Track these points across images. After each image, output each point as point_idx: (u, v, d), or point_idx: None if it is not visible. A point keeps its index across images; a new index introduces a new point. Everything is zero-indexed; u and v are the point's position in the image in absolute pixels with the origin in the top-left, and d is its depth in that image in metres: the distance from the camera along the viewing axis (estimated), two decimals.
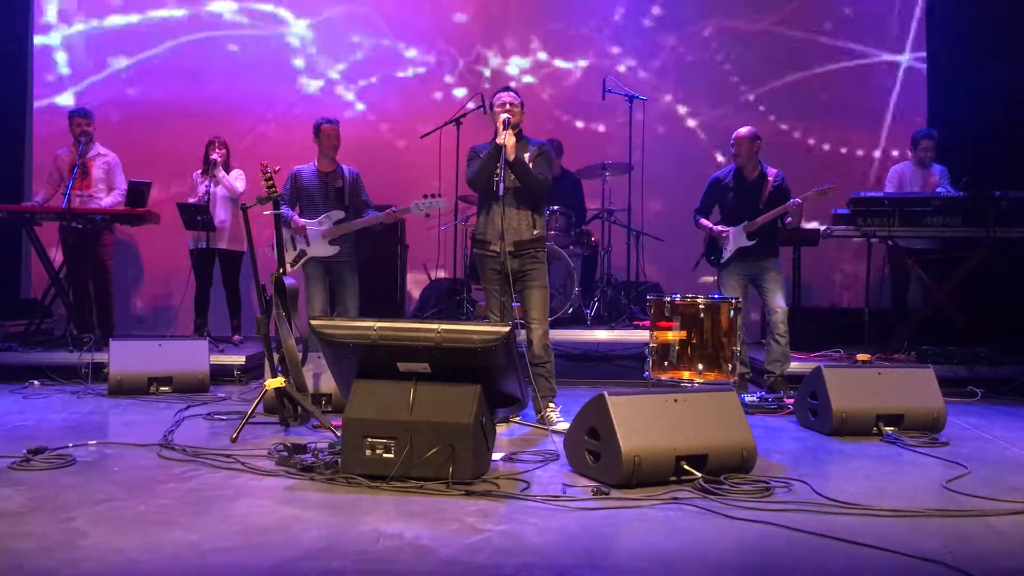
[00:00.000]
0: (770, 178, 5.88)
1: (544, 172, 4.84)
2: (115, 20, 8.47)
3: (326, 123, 5.86)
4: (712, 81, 8.59)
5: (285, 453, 3.70)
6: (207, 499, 3.17)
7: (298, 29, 8.60)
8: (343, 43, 8.59)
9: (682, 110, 8.62)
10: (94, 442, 4.05)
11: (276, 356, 4.53)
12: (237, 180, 6.91)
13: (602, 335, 6.79)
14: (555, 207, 6.98)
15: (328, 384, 4.84)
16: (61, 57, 8.47)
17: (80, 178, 6.65)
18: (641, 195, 7.52)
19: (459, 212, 7.38)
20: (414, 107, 8.54)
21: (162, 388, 5.61)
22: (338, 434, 3.69)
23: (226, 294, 7.07)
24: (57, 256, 6.70)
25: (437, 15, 8.70)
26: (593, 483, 3.42)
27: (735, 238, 5.86)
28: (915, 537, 2.81)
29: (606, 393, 3.48)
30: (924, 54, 8.42)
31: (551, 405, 4.77)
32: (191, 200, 6.84)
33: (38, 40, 8.46)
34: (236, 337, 7.06)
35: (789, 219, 5.95)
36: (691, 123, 8.62)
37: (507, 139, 4.64)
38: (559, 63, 8.67)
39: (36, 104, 8.43)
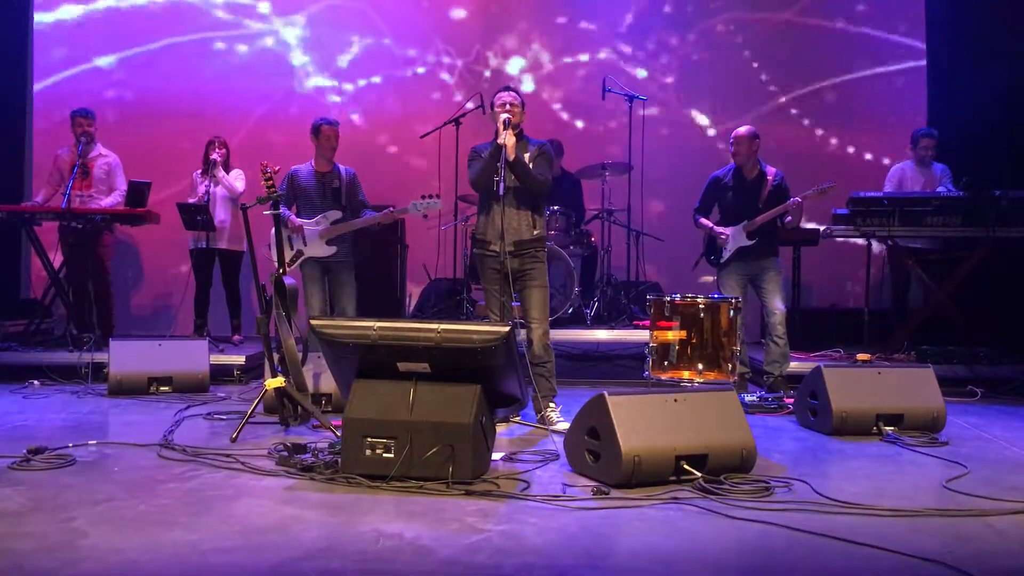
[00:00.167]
0: (769, 177, 5.88)
1: (544, 172, 4.84)
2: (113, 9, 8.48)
3: (326, 124, 5.86)
4: (712, 81, 8.58)
5: (285, 453, 3.70)
6: (207, 499, 3.17)
7: (296, 28, 8.59)
8: (341, 42, 8.59)
9: (686, 110, 8.62)
10: (94, 442, 4.05)
11: (276, 356, 4.53)
12: (237, 180, 6.91)
13: (602, 335, 6.79)
14: (555, 207, 6.98)
15: (328, 384, 4.84)
16: (59, 53, 8.48)
17: (80, 178, 6.65)
18: (641, 195, 7.52)
19: (459, 212, 7.38)
20: (413, 107, 8.55)
21: (162, 388, 5.61)
22: (338, 434, 3.69)
23: (226, 294, 7.07)
24: (57, 256, 6.70)
25: (436, 13, 8.69)
26: (593, 483, 3.42)
27: (735, 238, 5.86)
28: (915, 537, 2.81)
29: (606, 393, 3.48)
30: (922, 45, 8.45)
31: (551, 405, 4.77)
32: (191, 200, 6.84)
33: (38, 42, 8.47)
34: (236, 337, 7.06)
35: (789, 218, 5.96)
36: (693, 122, 8.62)
37: (507, 139, 4.65)
38: (560, 62, 8.66)
39: (36, 86, 8.40)
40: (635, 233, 7.49)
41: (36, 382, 5.85)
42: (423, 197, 5.72)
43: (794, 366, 5.89)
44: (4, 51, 8.12)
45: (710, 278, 6.97)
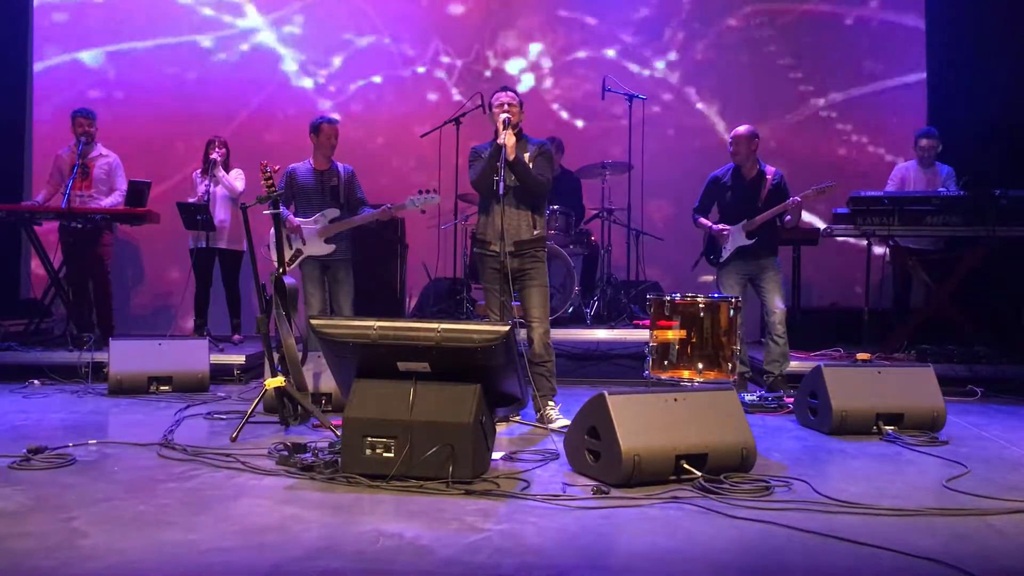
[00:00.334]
0: (769, 176, 5.88)
1: (544, 172, 4.84)
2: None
3: (326, 122, 5.85)
4: (715, 81, 8.58)
5: (285, 452, 3.70)
6: (207, 499, 3.17)
7: (293, 27, 8.59)
8: (338, 41, 8.58)
9: (690, 108, 8.62)
10: (94, 442, 4.05)
11: (276, 355, 4.53)
12: (237, 179, 6.91)
13: (602, 334, 6.80)
14: (555, 206, 6.98)
15: (328, 383, 4.84)
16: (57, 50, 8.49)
17: (80, 178, 6.64)
18: (641, 194, 7.52)
19: (459, 211, 7.38)
20: (413, 106, 8.56)
21: (162, 387, 5.62)
22: (338, 433, 3.69)
23: (226, 293, 7.08)
24: (57, 256, 6.70)
25: (435, 11, 8.68)
26: (593, 482, 3.42)
27: (734, 237, 5.86)
28: (915, 536, 2.81)
29: (606, 392, 3.48)
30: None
31: (550, 403, 4.77)
32: (191, 200, 6.84)
33: (38, 42, 8.47)
34: (236, 336, 7.06)
35: (788, 218, 5.96)
36: (697, 121, 8.61)
37: (507, 139, 4.65)
38: (562, 60, 8.66)
39: (36, 68, 8.41)
40: (635, 232, 7.49)
41: (36, 382, 5.85)
42: (420, 192, 5.73)
43: (794, 365, 5.89)
44: (4, 51, 8.12)
45: (710, 277, 6.97)
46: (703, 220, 6.05)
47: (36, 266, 7.29)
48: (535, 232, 4.84)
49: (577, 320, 7.00)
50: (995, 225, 6.08)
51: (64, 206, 6.35)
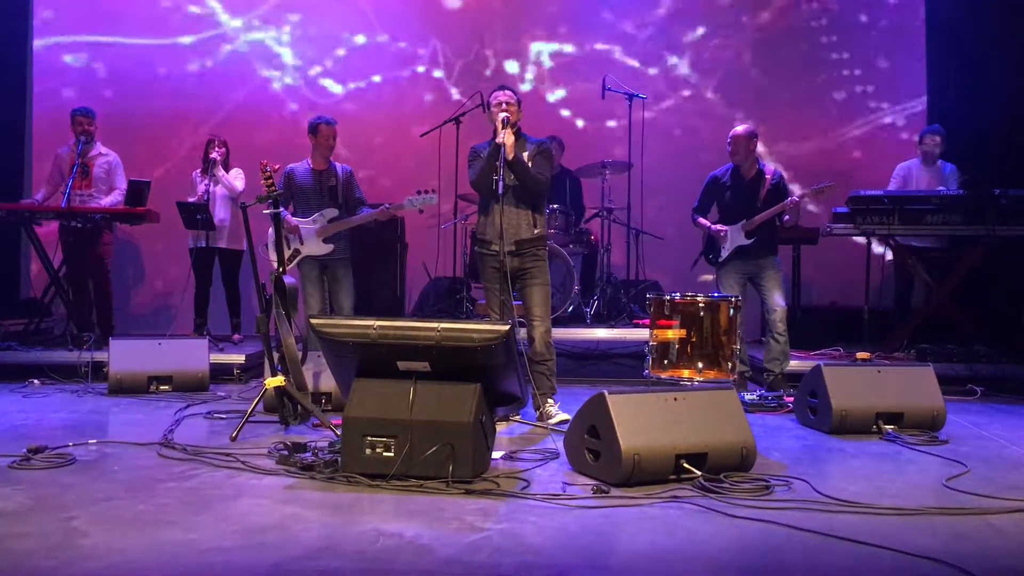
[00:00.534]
0: (768, 176, 5.88)
1: (544, 171, 4.84)
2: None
3: (324, 123, 5.85)
4: (718, 80, 8.58)
5: (285, 452, 3.70)
6: (207, 498, 3.17)
7: (290, 26, 8.59)
8: (337, 40, 8.58)
9: (687, 107, 8.63)
10: (94, 441, 4.05)
11: (276, 355, 4.53)
12: (236, 179, 6.91)
13: (602, 333, 6.80)
14: (555, 206, 6.98)
15: (328, 383, 4.84)
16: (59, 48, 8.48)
17: (80, 177, 6.65)
18: (641, 193, 7.52)
19: (459, 211, 7.38)
20: (412, 105, 8.55)
21: (162, 387, 5.62)
22: (338, 433, 3.69)
23: (226, 293, 7.08)
24: (57, 255, 6.70)
25: (434, 10, 8.67)
26: (593, 481, 3.42)
27: (733, 237, 5.87)
28: (915, 535, 2.81)
29: (606, 392, 3.48)
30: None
31: (550, 401, 4.78)
32: (190, 199, 6.84)
33: (38, 43, 8.46)
34: (236, 336, 7.06)
35: (787, 217, 5.96)
36: (695, 121, 8.62)
37: (506, 138, 4.65)
38: (560, 59, 8.66)
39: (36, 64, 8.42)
40: (635, 232, 7.49)
41: (36, 381, 5.85)
42: (418, 192, 5.73)
43: (794, 364, 5.89)
44: (3, 51, 8.11)
45: (710, 277, 6.97)
46: (702, 220, 6.05)
47: (36, 265, 7.28)
48: (535, 231, 4.84)
49: (577, 319, 7.00)
50: (995, 224, 6.08)
51: (64, 205, 6.35)
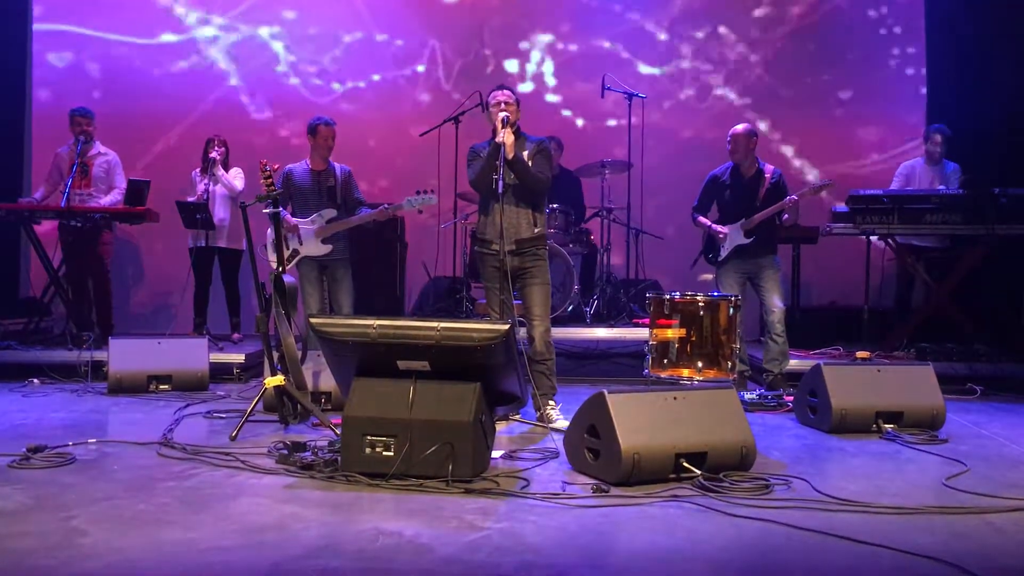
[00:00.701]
0: (767, 175, 5.88)
1: (544, 170, 4.84)
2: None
3: (323, 124, 5.84)
4: (721, 79, 8.58)
5: (285, 451, 3.70)
6: (206, 498, 3.17)
7: (288, 25, 8.58)
8: (334, 39, 8.56)
9: (686, 107, 8.62)
10: (94, 440, 4.05)
11: (275, 354, 4.53)
12: (236, 178, 6.91)
13: (601, 333, 6.79)
14: (554, 205, 6.98)
15: (327, 382, 4.84)
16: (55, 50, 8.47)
17: (79, 177, 6.64)
18: (641, 193, 7.52)
19: (458, 210, 7.38)
20: (411, 105, 8.54)
21: (161, 386, 5.61)
22: (338, 432, 3.68)
23: (225, 292, 7.08)
24: (56, 254, 6.70)
25: (434, 10, 8.65)
26: (593, 481, 3.42)
27: (732, 236, 5.87)
28: (914, 534, 2.82)
29: (606, 391, 3.48)
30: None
31: (551, 403, 4.77)
32: (190, 199, 6.84)
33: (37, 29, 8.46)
34: (235, 335, 7.06)
35: (786, 216, 5.96)
36: (694, 121, 8.62)
37: (506, 137, 4.65)
38: (560, 58, 8.65)
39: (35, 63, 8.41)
40: (635, 231, 7.49)
41: (35, 380, 5.84)
42: (418, 193, 5.72)
43: (793, 364, 5.89)
44: (4, 51, 8.10)
45: (710, 276, 6.97)
46: (702, 219, 6.05)
47: (36, 265, 7.27)
48: (536, 230, 4.84)
49: (576, 319, 7.00)
50: (995, 224, 6.08)
51: (63, 205, 6.35)
